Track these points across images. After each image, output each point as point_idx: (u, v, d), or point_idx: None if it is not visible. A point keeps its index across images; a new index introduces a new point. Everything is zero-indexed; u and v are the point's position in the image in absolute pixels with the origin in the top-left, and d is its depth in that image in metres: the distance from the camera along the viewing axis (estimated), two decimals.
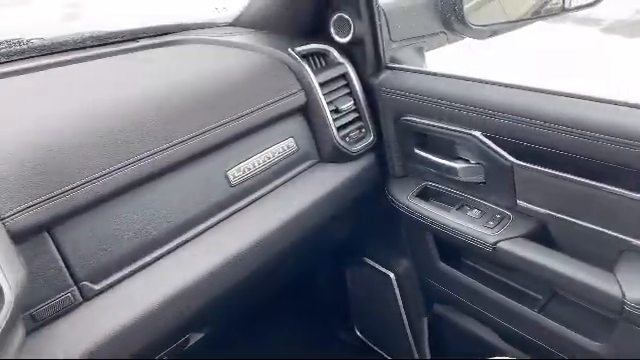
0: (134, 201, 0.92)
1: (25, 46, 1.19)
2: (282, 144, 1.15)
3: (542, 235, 1.07)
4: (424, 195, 1.27)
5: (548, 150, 1.00)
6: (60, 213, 0.83)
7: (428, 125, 1.18)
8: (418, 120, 1.20)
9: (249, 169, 1.09)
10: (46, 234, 0.84)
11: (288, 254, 1.18)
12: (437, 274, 1.35)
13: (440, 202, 1.25)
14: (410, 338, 1.55)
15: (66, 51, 1.24)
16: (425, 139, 1.24)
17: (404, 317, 1.53)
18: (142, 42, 1.31)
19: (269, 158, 1.13)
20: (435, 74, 1.20)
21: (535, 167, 1.03)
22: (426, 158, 1.23)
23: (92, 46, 1.28)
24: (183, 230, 0.98)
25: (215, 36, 1.33)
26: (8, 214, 0.77)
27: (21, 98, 0.97)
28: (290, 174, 1.17)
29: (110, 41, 1.31)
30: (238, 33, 1.36)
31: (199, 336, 1.13)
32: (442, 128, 1.16)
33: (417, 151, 1.25)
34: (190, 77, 1.09)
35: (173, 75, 1.10)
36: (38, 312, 0.82)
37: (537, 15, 1.41)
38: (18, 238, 0.79)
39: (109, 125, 0.91)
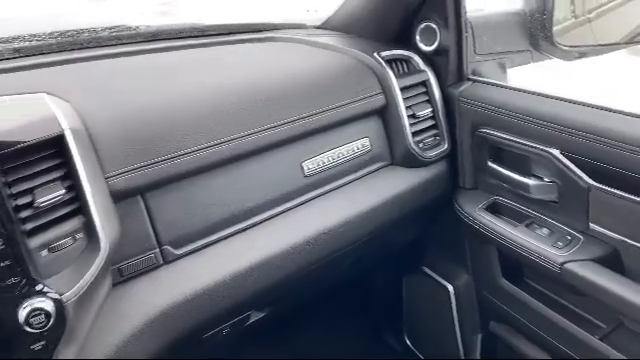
0: (221, 178, 1.00)
1: (134, 32, 1.30)
2: (357, 143, 1.19)
3: (613, 261, 1.05)
4: (493, 209, 1.27)
5: (629, 174, 0.97)
6: (155, 180, 0.91)
7: (504, 139, 1.18)
8: (495, 133, 1.20)
9: (323, 163, 1.14)
10: (139, 197, 0.92)
11: (349, 251, 1.21)
12: (497, 291, 1.33)
13: (508, 218, 1.25)
14: (461, 353, 1.53)
15: (168, 39, 1.35)
16: (500, 153, 1.24)
17: (457, 331, 1.52)
18: (236, 37, 1.40)
19: (343, 155, 1.17)
20: (517, 89, 1.20)
21: (613, 191, 1.01)
22: (499, 172, 1.23)
23: (191, 36, 1.38)
24: (259, 211, 1.04)
25: (303, 36, 1.40)
26: (111, 174, 0.86)
27: (132, 76, 1.07)
28: (361, 173, 1.21)
29: (207, 33, 1.41)
30: (325, 35, 1.42)
31: (259, 315, 1.18)
32: (519, 143, 1.16)
33: (490, 164, 1.25)
34: (279, 71, 1.16)
35: (264, 68, 1.17)
36: (124, 267, 0.91)
37: (630, 41, 1.38)
38: (116, 197, 0.87)
39: (207, 106, 0.99)
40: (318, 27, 1.50)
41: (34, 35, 1.21)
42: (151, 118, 0.93)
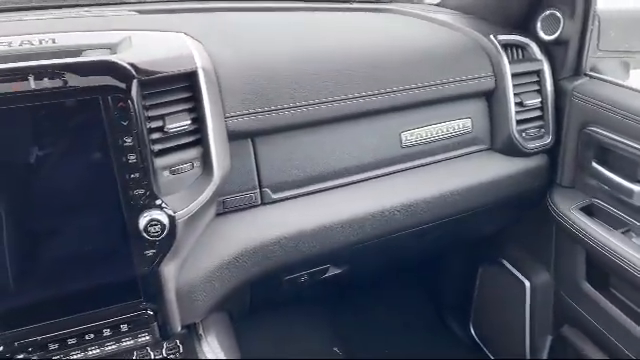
0: (325, 135, 1.06)
1: None
2: (459, 122, 1.20)
3: None
4: (588, 211, 1.23)
5: None
6: (267, 127, 0.99)
7: (614, 140, 1.14)
8: (604, 133, 1.16)
9: (421, 136, 1.16)
10: (249, 140, 1.01)
11: (432, 228, 1.23)
12: (578, 294, 1.30)
13: (604, 222, 1.20)
14: (527, 352, 1.52)
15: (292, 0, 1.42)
16: (606, 154, 1.19)
17: (527, 330, 1.50)
18: (355, 5, 1.44)
19: (442, 132, 1.19)
20: (636, 90, 1.14)
21: None
22: (602, 173, 1.19)
23: (312, 1, 1.44)
24: (354, 172, 1.10)
25: (420, 11, 1.41)
26: (230, 114, 0.95)
27: (259, 29, 1.14)
28: (458, 152, 1.22)
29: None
30: (442, 12, 1.42)
31: (336, 271, 1.25)
32: (630, 146, 1.11)
33: (594, 164, 1.21)
34: (390, 42, 1.18)
35: (377, 37, 1.20)
36: (227, 200, 1.00)
37: None
38: (230, 136, 0.96)
39: (323, 66, 1.05)
40: (436, 4, 1.50)
41: None
42: (273, 70, 1.00)
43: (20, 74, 0.74)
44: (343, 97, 1.04)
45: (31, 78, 0.75)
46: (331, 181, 1.08)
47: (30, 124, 0.77)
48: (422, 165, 1.17)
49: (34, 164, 0.78)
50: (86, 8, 1.19)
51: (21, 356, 0.84)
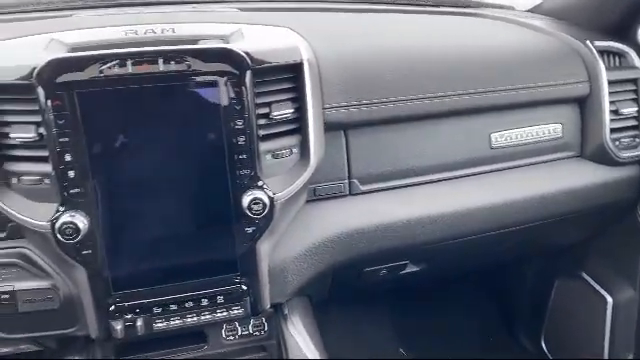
0: (415, 131, 1.09)
1: None
2: (549, 127, 1.19)
3: None
4: None
5: None
6: (360, 120, 1.03)
7: None
8: None
9: (511, 138, 1.16)
10: (342, 132, 1.05)
11: (514, 232, 1.23)
12: None
13: None
14: None
15: (380, 3, 1.46)
16: None
17: (605, 347, 1.45)
18: (443, 9, 1.46)
19: (532, 135, 1.18)
20: None
21: None
22: None
23: (401, 3, 1.47)
24: (442, 170, 1.12)
25: (511, 16, 1.41)
26: (328, 106, 1.00)
27: (357, 28, 1.19)
28: (547, 157, 1.20)
29: (415, 2, 1.49)
30: (535, 19, 1.41)
31: (414, 268, 1.26)
32: None
33: None
34: (481, 44, 1.19)
35: (473, 39, 1.22)
36: (318, 188, 1.04)
37: None
38: (326, 127, 1.00)
39: (418, 64, 1.08)
40: (528, 10, 1.49)
41: None
42: (370, 66, 1.04)
43: (151, 57, 0.82)
44: (436, 95, 1.06)
45: (160, 61, 0.83)
46: (418, 177, 1.11)
47: (154, 103, 0.85)
48: (510, 168, 1.17)
49: (154, 138, 0.86)
50: (193, 5, 1.28)
51: (129, 316, 0.92)
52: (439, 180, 1.12)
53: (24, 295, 0.89)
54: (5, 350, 1.23)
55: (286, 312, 1.07)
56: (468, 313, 1.85)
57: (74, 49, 0.84)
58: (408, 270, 1.26)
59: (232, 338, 1.06)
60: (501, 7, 1.51)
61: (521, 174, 1.17)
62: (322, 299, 1.26)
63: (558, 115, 1.20)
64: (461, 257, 1.35)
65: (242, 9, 1.26)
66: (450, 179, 1.13)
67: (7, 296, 0.88)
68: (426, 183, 1.11)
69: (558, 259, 1.58)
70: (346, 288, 1.30)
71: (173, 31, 0.92)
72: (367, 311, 1.77)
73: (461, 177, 1.13)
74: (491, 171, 1.16)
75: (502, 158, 1.16)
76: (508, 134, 1.16)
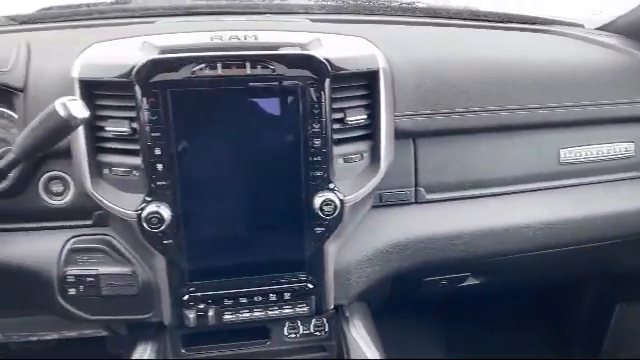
0: (484, 143, 1.10)
1: (424, 6, 1.46)
2: (621, 145, 1.17)
3: None
4: None
5: None
6: (430, 129, 1.05)
7: None
8: None
9: (580, 155, 1.15)
10: (411, 140, 1.07)
11: (577, 252, 1.21)
12: None
13: None
14: None
15: (449, 17, 1.47)
16: None
17: None
18: (511, 25, 1.46)
19: (603, 153, 1.16)
20: None
21: None
22: None
23: (469, 18, 1.49)
24: (510, 183, 1.12)
25: (581, 34, 1.40)
26: (399, 114, 1.02)
27: (428, 40, 1.20)
28: (617, 176, 1.19)
29: (484, 18, 1.50)
30: (605, 36, 1.39)
31: (473, 281, 1.26)
32: None
33: None
34: (558, 59, 1.19)
35: (543, 54, 1.21)
36: (384, 194, 1.06)
37: None
38: (396, 134, 1.03)
39: (492, 76, 1.09)
40: (597, 28, 1.47)
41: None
42: (442, 77, 1.06)
43: (239, 60, 0.88)
44: (507, 108, 1.07)
45: (248, 64, 0.88)
46: (485, 189, 1.11)
47: (238, 103, 0.90)
48: (578, 184, 1.16)
49: (236, 137, 0.91)
50: (267, 15, 1.34)
51: (201, 306, 0.96)
52: (506, 193, 1.12)
53: (107, 279, 0.95)
54: (71, 334, 1.30)
55: (347, 314, 1.09)
56: (522, 331, 1.81)
57: (164, 51, 0.90)
58: (468, 283, 1.26)
59: (293, 336, 1.09)
60: (570, 24, 1.50)
61: (590, 191, 1.16)
62: (378, 306, 1.27)
63: (631, 134, 1.18)
64: (522, 273, 1.34)
65: (313, 20, 1.30)
66: (517, 193, 1.13)
67: (92, 279, 0.94)
68: (492, 195, 1.12)
69: (622, 282, 1.53)
70: (402, 297, 1.31)
71: (255, 38, 0.97)
72: (416, 322, 1.75)
73: (528, 191, 1.13)
74: (558, 187, 1.15)
75: (570, 174, 1.15)
76: (578, 150, 1.15)
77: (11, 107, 0.96)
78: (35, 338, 1.31)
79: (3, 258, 0.95)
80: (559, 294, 1.73)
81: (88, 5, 1.40)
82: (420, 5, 1.53)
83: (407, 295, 1.29)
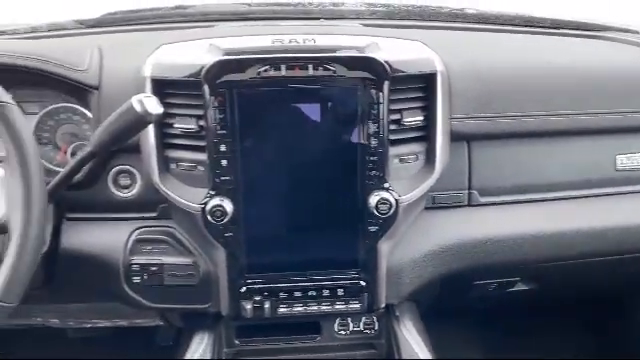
0: (540, 147, 1.10)
1: (477, 12, 1.47)
2: None
3: None
4: None
5: None
6: (485, 132, 1.06)
7: None
8: None
9: (638, 162, 1.13)
10: (465, 143, 1.08)
11: (628, 260, 1.19)
12: None
13: None
14: None
15: (502, 23, 1.47)
16: None
17: None
18: (564, 31, 1.45)
19: None
20: None
21: None
22: None
23: (522, 24, 1.48)
24: (564, 188, 1.12)
25: (637, 40, 1.37)
26: (455, 116, 1.03)
27: (483, 45, 1.21)
28: None
29: (537, 24, 1.49)
30: None
31: (523, 287, 1.25)
32: None
33: None
34: (616, 65, 1.18)
35: (598, 60, 1.20)
36: (437, 196, 1.08)
37: None
38: (451, 136, 1.03)
39: (546, 81, 1.09)
40: None
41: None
42: (498, 81, 1.07)
43: (303, 62, 0.91)
44: (563, 113, 1.07)
45: (310, 66, 0.91)
46: (538, 194, 1.11)
47: (300, 103, 0.93)
48: (635, 192, 1.14)
49: (296, 136, 0.95)
50: (321, 20, 1.38)
51: (258, 298, 0.99)
52: (559, 198, 1.11)
53: (170, 269, 0.99)
54: (122, 322, 1.36)
55: (397, 314, 1.10)
56: (563, 341, 1.77)
57: (228, 53, 0.95)
58: (517, 288, 1.25)
59: (344, 333, 1.11)
60: (625, 30, 1.47)
61: None
62: (425, 308, 1.27)
63: None
64: (574, 281, 1.32)
65: (365, 25, 1.33)
66: (571, 198, 1.12)
67: (156, 268, 0.99)
68: (546, 200, 1.11)
69: None
70: (450, 300, 1.31)
71: (314, 41, 1.01)
72: (458, 327, 1.74)
73: (583, 197, 1.12)
74: (614, 194, 1.14)
75: (627, 181, 1.14)
76: (635, 157, 1.13)
77: (85, 104, 1.03)
78: (89, 325, 1.38)
79: (74, 246, 1.00)
80: (610, 305, 1.69)
81: (151, 10, 1.47)
82: (469, 11, 1.55)
83: (455, 298, 1.29)
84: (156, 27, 1.28)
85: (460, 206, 1.09)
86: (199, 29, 1.22)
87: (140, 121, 0.82)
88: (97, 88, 0.99)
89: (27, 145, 0.75)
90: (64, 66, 0.98)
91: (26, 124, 0.76)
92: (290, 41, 1.00)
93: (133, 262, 0.99)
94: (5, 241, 0.75)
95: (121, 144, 0.87)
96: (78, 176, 0.95)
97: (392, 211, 0.96)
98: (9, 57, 0.95)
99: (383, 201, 0.95)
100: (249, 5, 1.50)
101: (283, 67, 0.91)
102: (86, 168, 0.96)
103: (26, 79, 1.00)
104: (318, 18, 1.37)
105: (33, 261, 0.74)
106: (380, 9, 1.48)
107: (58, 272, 1.00)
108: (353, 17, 1.43)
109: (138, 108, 0.80)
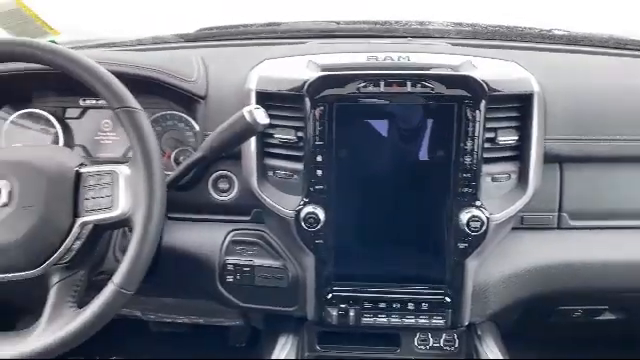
0: (634, 172, 1.07)
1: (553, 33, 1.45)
2: None
3: None
4: None
5: None
6: (578, 155, 1.05)
7: None
8: None
9: None
10: (557, 165, 1.07)
11: None
12: None
13: None
14: None
15: (590, 45, 1.44)
16: None
17: None
18: (628, 52, 1.39)
19: None
20: None
21: None
22: None
23: (612, 46, 1.44)
24: None
25: None
26: (549, 137, 1.02)
27: (573, 68, 1.19)
28: None
29: (629, 47, 1.45)
30: None
31: (611, 317, 1.20)
32: None
33: None
34: None
35: None
36: (525, 217, 1.06)
37: None
38: (544, 157, 1.02)
39: (638, 105, 1.06)
40: None
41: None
42: (593, 102, 1.06)
43: (401, 79, 0.94)
44: None
45: (409, 83, 0.94)
46: (630, 220, 1.08)
47: (397, 119, 0.96)
48: None
49: (391, 150, 0.98)
50: (408, 38, 1.41)
51: (343, 306, 1.02)
52: None
53: (261, 271, 1.04)
54: (199, 320, 1.42)
55: (479, 332, 1.10)
56: None
57: (326, 69, 0.99)
58: (604, 317, 1.21)
59: (423, 348, 1.11)
60: None
61: None
62: (506, 329, 1.25)
63: None
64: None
65: (453, 44, 1.34)
66: None
67: (248, 269, 1.04)
68: (638, 228, 1.08)
69: None
70: (531, 323, 1.28)
71: (408, 59, 1.04)
72: (539, 353, 1.68)
73: None
74: None
75: None
76: None
77: (191, 113, 1.10)
78: (169, 320, 1.45)
79: (174, 244, 1.07)
80: None
81: (245, 26, 1.56)
82: (558, 32, 1.52)
83: (537, 321, 1.26)
84: (253, 42, 1.35)
85: (549, 228, 1.08)
86: (293, 45, 1.28)
87: (249, 130, 0.87)
88: (204, 98, 1.06)
89: (153, 148, 0.82)
90: (177, 77, 1.06)
91: (152, 129, 0.83)
92: (385, 58, 1.04)
93: (228, 262, 1.05)
94: (128, 234, 0.82)
95: (229, 151, 0.93)
96: (186, 178, 1.02)
97: (483, 229, 0.96)
98: (130, 67, 1.04)
99: (474, 218, 0.96)
100: (337, 23, 1.56)
101: (382, 83, 0.94)
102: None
103: (140, 87, 1.09)
104: (405, 37, 1.40)
105: (151, 254, 0.80)
106: (466, 29, 1.49)
107: (159, 268, 1.07)
108: (438, 36, 1.45)
109: (248, 118, 0.86)
